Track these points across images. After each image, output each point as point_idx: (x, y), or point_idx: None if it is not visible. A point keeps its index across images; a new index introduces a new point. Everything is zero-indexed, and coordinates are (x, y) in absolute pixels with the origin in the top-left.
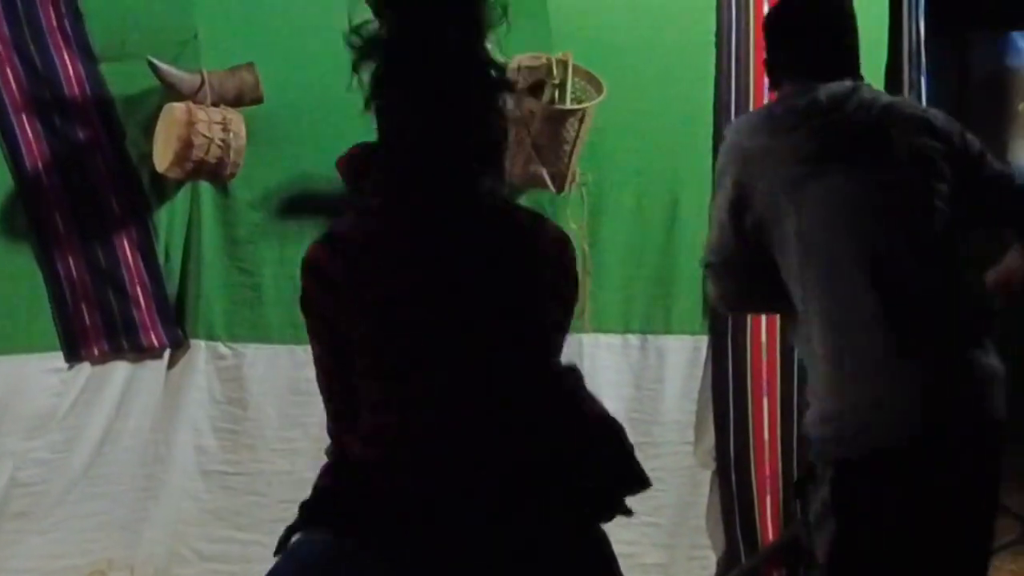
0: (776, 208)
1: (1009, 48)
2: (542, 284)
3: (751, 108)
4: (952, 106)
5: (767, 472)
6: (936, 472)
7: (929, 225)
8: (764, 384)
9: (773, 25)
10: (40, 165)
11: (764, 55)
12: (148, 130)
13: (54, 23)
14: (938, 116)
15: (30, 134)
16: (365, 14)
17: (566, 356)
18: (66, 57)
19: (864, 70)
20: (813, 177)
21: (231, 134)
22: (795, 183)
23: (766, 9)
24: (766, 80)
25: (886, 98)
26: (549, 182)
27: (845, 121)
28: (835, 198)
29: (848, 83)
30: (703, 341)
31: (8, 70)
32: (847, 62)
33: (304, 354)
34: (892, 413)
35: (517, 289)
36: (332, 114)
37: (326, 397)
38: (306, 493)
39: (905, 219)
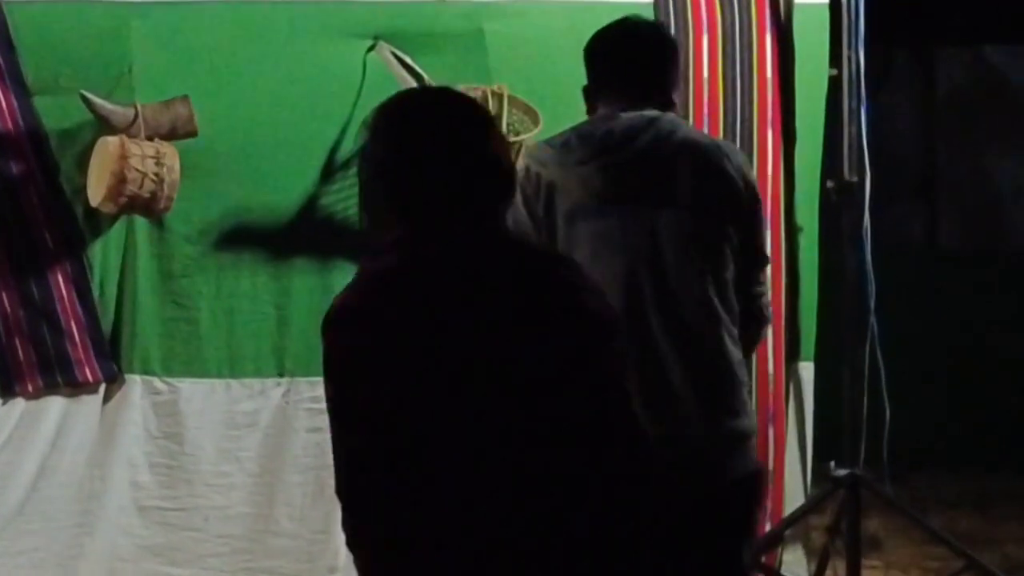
0: (556, 243)
1: (977, 63)
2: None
3: None
4: (922, 118)
5: None
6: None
7: (687, 278)
8: None
9: (590, 48)
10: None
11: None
12: (82, 164)
13: None
14: (733, 156)
15: None
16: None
17: None
18: None
19: (804, 99)
20: (588, 216)
21: (165, 168)
22: (570, 219)
23: (705, 41)
24: (705, 113)
25: (683, 133)
26: None
27: (633, 158)
28: (598, 242)
29: (649, 113)
30: None
31: None
32: (656, 90)
33: (240, 388)
34: None
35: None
36: (266, 147)
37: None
38: (242, 528)
39: (664, 268)
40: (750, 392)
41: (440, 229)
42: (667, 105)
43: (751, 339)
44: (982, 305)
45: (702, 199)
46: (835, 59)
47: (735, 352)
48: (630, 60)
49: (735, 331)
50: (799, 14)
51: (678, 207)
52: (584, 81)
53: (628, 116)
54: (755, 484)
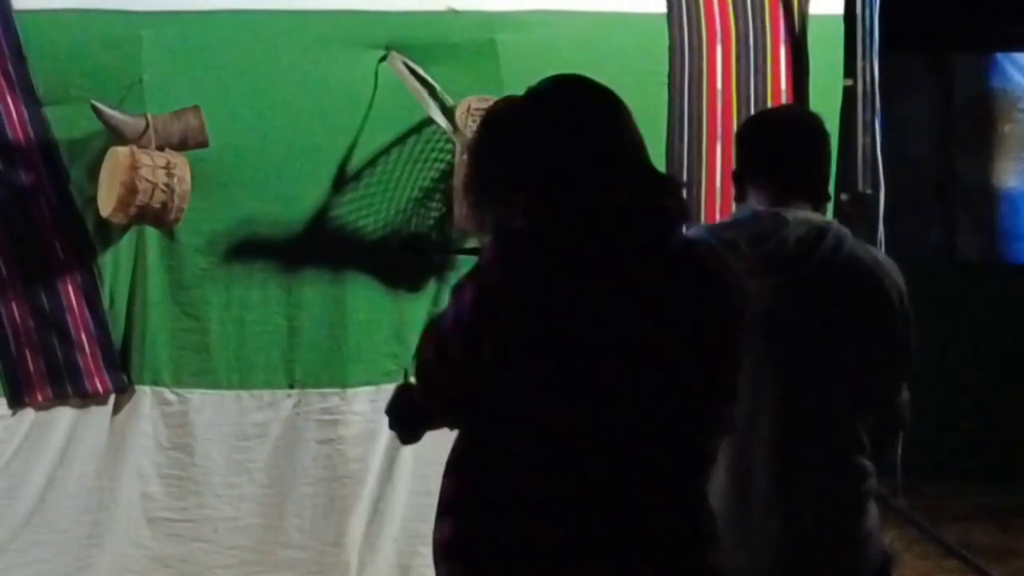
0: None
1: (994, 70)
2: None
3: (703, 151)
4: (937, 128)
5: None
6: None
7: (832, 406)
8: None
9: (745, 132)
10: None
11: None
12: (93, 174)
13: None
14: (892, 273)
15: None
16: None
17: None
18: (9, 101)
19: (818, 110)
20: (751, 332)
21: (175, 178)
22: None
23: (719, 52)
24: (719, 123)
25: (848, 248)
26: None
27: (807, 277)
28: (757, 359)
29: (816, 219)
30: None
31: None
32: (811, 183)
33: (250, 399)
34: None
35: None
36: (277, 158)
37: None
38: (252, 539)
39: (813, 395)
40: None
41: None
42: (822, 199)
43: (883, 449)
44: (999, 316)
45: (859, 324)
46: (850, 70)
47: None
48: (788, 150)
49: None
50: (814, 24)
51: (842, 335)
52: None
53: (797, 221)
54: None
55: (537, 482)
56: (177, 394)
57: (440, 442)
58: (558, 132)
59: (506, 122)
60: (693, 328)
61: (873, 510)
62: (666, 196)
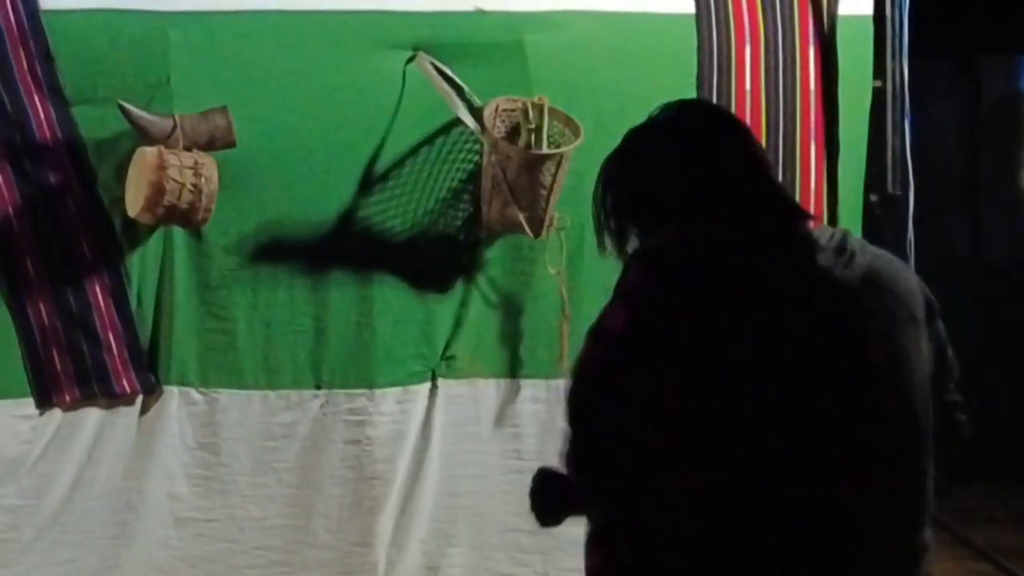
0: None
1: (1022, 72)
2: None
3: None
4: (965, 129)
5: None
6: None
7: None
8: None
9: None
10: (10, 209)
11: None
12: (120, 174)
13: (25, 66)
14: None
15: (0, 178)
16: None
17: (543, 402)
18: (37, 100)
19: (848, 111)
20: None
21: (203, 179)
22: None
23: (748, 53)
24: (747, 122)
25: (870, 253)
26: (526, 226)
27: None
28: None
29: (834, 231)
30: None
31: None
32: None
33: (277, 400)
34: None
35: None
36: (305, 158)
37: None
38: (280, 539)
39: None
40: None
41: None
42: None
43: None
44: None
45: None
46: (879, 71)
47: None
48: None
49: None
50: (843, 26)
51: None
52: (625, 93)
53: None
54: None
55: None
56: (204, 394)
57: (463, 440)
58: (696, 156)
59: (644, 148)
60: (845, 359)
61: None
62: (798, 220)
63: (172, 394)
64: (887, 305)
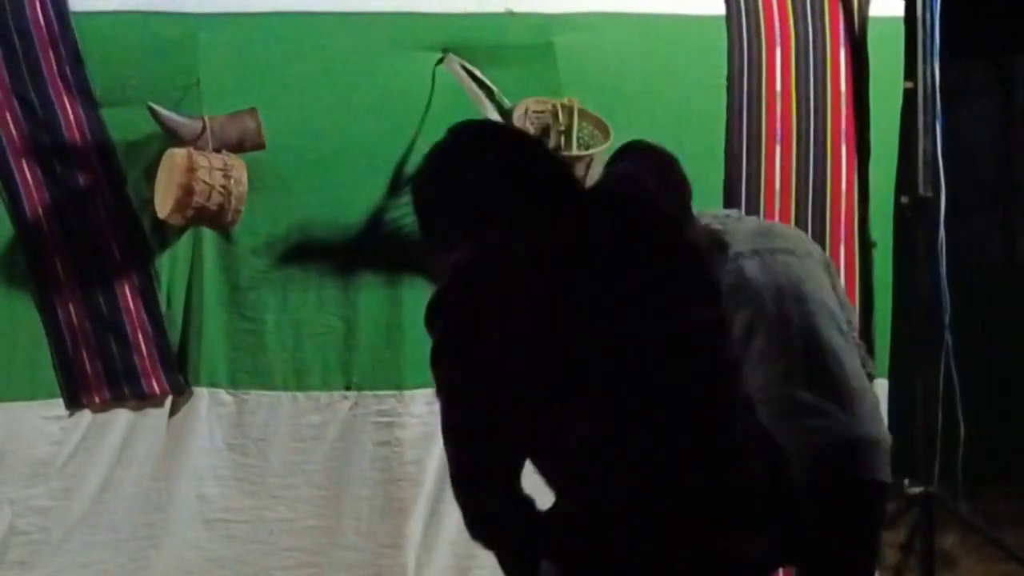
0: None
1: None
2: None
3: (762, 153)
4: (997, 131)
5: None
6: None
7: None
8: None
9: None
10: (40, 211)
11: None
12: (150, 175)
13: (54, 68)
14: None
15: (30, 180)
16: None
17: None
18: (66, 102)
19: (879, 112)
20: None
21: (232, 180)
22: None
23: (778, 54)
24: (778, 125)
25: None
26: None
27: None
28: None
29: None
30: None
31: (8, 115)
32: None
33: (307, 401)
34: None
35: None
36: (335, 160)
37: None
38: (309, 540)
39: None
40: None
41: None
42: None
43: None
44: None
45: None
46: (910, 72)
47: None
48: None
49: None
50: (873, 27)
51: None
52: (655, 94)
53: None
54: None
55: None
56: (233, 395)
57: None
58: (488, 174)
59: (439, 174)
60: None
61: None
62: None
63: (201, 395)
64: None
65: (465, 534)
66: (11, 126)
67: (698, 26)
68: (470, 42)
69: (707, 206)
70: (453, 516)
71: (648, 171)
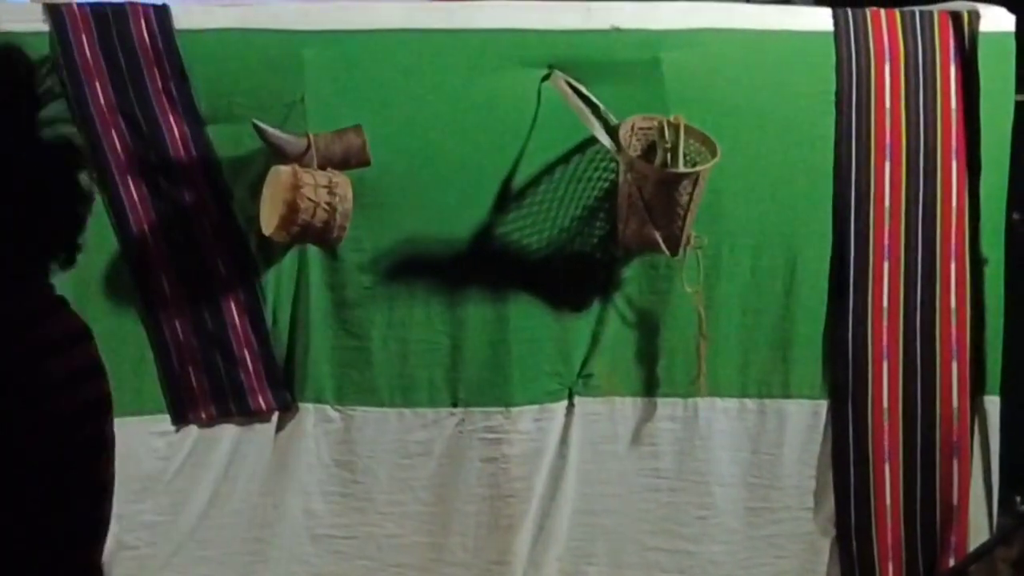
0: None
1: None
2: None
3: (872, 169)
4: None
5: (889, 541)
6: None
7: None
8: (886, 450)
9: None
10: (146, 227)
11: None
12: (255, 192)
13: (159, 85)
14: None
15: (136, 197)
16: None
17: (680, 421)
18: (171, 119)
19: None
20: None
21: (337, 197)
22: None
23: (887, 70)
24: (887, 141)
25: None
26: (663, 245)
27: None
28: None
29: None
30: (823, 406)
31: (113, 133)
32: None
33: (413, 417)
34: None
35: None
36: (440, 176)
37: None
38: (416, 556)
39: None
40: None
41: None
42: None
43: None
44: None
45: None
46: (1021, 86)
47: None
48: None
49: None
50: (984, 42)
51: None
52: (762, 111)
53: None
54: None
55: None
56: (340, 411)
57: (600, 459)
58: None
59: None
60: None
61: None
62: None
63: (308, 412)
64: None
65: (573, 551)
66: (116, 143)
67: (806, 42)
68: (576, 59)
69: (814, 227)
70: (560, 533)
71: None
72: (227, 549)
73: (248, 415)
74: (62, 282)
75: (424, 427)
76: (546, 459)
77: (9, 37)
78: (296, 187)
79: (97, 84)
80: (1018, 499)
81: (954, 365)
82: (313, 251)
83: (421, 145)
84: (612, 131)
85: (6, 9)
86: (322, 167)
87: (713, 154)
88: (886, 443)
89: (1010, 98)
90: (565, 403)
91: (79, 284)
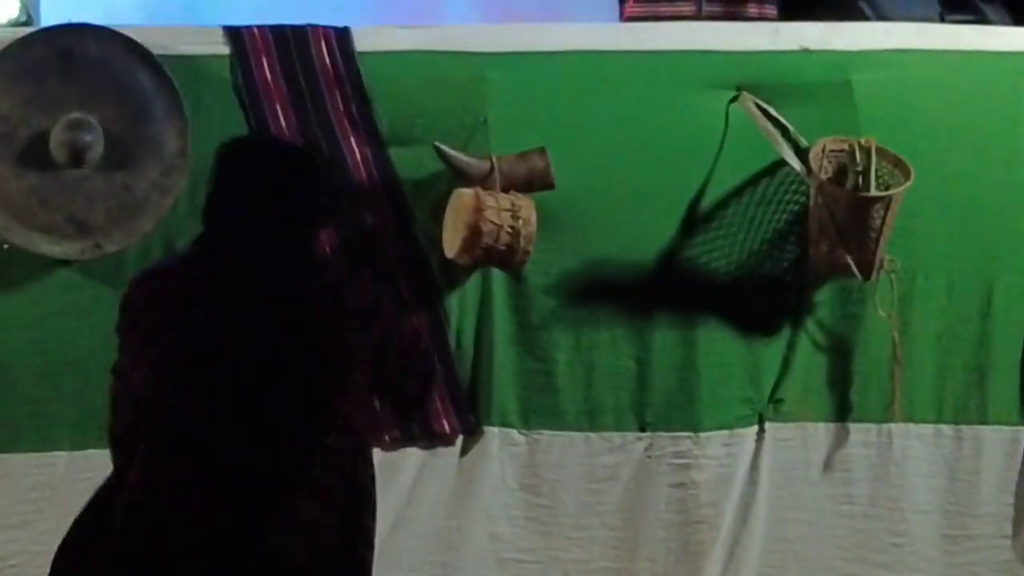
0: None
1: None
2: None
3: None
4: None
5: None
6: None
7: None
8: None
9: None
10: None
11: None
12: (437, 214)
13: (340, 108)
14: None
15: None
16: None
17: (874, 447)
18: (353, 142)
19: None
20: None
21: (521, 220)
22: None
23: None
24: None
25: None
26: (855, 269)
27: None
28: None
29: None
30: (1021, 432)
31: None
32: None
33: (600, 441)
34: None
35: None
36: (625, 199)
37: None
38: None
39: None
40: None
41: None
42: None
43: None
44: None
45: None
46: None
47: None
48: None
49: None
50: None
51: None
52: (956, 133)
53: None
54: None
55: None
56: (525, 435)
57: (792, 485)
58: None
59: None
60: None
61: None
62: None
63: (493, 435)
64: None
65: None
66: None
67: (1002, 62)
68: (765, 80)
69: (1011, 250)
70: (752, 559)
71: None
72: (413, 572)
73: (432, 439)
74: None
75: (611, 451)
76: (736, 485)
77: (190, 60)
78: (479, 210)
79: (278, 107)
80: None
81: None
82: (497, 274)
83: (606, 168)
84: (802, 154)
85: (186, 32)
86: (505, 190)
87: (906, 177)
88: None
89: None
90: (755, 428)
91: None
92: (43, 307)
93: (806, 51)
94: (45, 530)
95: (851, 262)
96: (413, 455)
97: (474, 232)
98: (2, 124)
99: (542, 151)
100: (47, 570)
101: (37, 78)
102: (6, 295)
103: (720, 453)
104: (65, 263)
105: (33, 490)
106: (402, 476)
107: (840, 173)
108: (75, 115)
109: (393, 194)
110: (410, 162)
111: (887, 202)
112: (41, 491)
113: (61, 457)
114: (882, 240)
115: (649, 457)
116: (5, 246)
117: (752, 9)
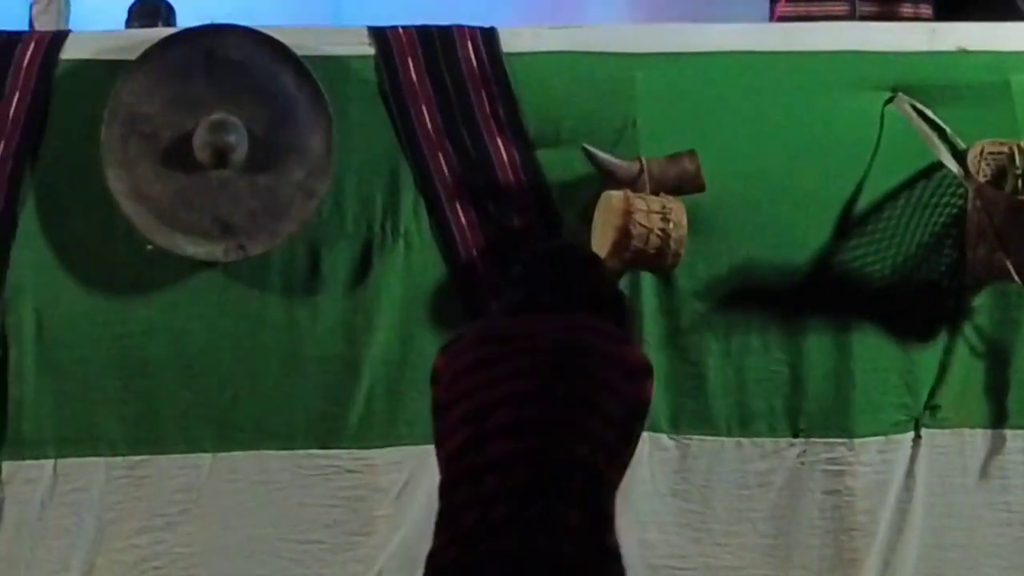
0: None
1: None
2: None
3: None
4: None
5: None
6: None
7: None
8: None
9: None
10: (475, 252)
11: None
12: (585, 217)
13: (487, 110)
14: None
15: (464, 221)
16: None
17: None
18: (500, 143)
19: None
20: None
21: (671, 224)
22: None
23: None
24: None
25: None
26: (1014, 273)
27: None
28: None
29: None
30: None
31: (441, 157)
32: None
33: (752, 447)
34: None
35: None
36: (777, 202)
37: None
38: None
39: None
40: None
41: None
42: None
43: None
44: None
45: None
46: None
47: None
48: None
49: None
50: None
51: None
52: None
53: None
54: None
55: None
56: (675, 440)
57: (949, 492)
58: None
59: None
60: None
61: None
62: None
63: (642, 440)
64: None
65: None
66: (444, 167)
67: None
68: (921, 81)
69: None
70: (908, 567)
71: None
72: None
73: None
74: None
75: (763, 457)
76: (892, 492)
77: (334, 61)
78: (628, 213)
79: (424, 108)
80: None
81: None
82: (646, 276)
83: (758, 170)
84: (959, 156)
85: (330, 32)
86: (655, 193)
87: None
88: None
89: None
90: (911, 435)
91: (404, 309)
92: (186, 308)
93: (964, 51)
94: (189, 532)
95: (1010, 266)
96: None
97: (623, 235)
98: (146, 124)
99: (692, 154)
100: (190, 572)
101: (181, 79)
102: (150, 296)
103: (875, 460)
104: (209, 264)
105: (178, 492)
106: None
107: (999, 176)
108: (219, 116)
109: (541, 196)
110: (558, 164)
111: None
112: (186, 493)
113: (205, 459)
114: None
115: (802, 464)
116: (149, 247)
117: (907, 9)
